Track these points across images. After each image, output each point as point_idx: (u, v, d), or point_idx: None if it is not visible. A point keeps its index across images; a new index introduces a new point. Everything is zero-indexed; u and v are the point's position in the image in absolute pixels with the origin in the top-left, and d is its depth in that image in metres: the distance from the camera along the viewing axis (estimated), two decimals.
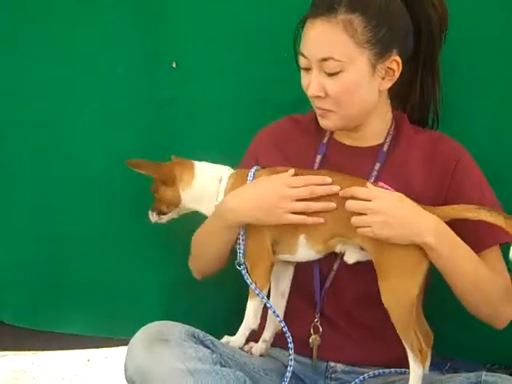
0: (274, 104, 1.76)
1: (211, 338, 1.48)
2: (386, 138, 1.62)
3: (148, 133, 1.82)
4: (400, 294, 1.46)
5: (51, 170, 1.85)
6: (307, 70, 1.54)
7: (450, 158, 1.60)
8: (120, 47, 1.77)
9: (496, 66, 1.74)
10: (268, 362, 1.61)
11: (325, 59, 1.50)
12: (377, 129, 1.62)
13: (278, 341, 1.64)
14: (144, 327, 1.45)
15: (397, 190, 1.53)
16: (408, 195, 1.52)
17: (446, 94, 1.69)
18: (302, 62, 1.54)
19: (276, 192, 1.51)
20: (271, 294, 1.61)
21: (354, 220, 1.46)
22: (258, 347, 1.62)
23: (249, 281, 1.55)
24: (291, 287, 1.64)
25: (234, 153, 1.77)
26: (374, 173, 1.59)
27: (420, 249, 1.46)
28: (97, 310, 1.90)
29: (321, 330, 1.60)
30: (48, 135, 1.83)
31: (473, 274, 1.51)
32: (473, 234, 1.51)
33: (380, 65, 1.52)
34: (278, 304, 1.61)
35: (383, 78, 1.54)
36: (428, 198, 1.55)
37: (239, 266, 1.56)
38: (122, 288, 1.89)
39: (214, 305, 1.88)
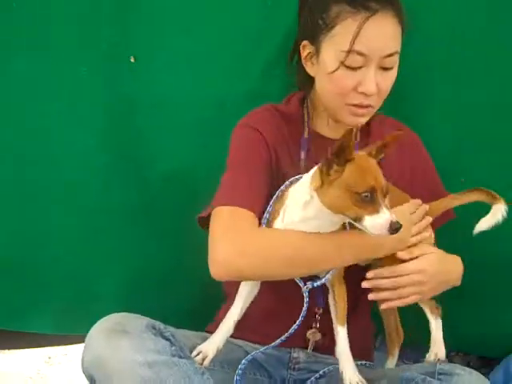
0: (234, 99, 1.76)
1: (172, 329, 1.48)
2: (356, 129, 1.65)
3: (109, 128, 1.80)
4: None
5: (11, 168, 1.82)
6: (355, 68, 1.50)
7: (410, 142, 1.67)
8: (79, 43, 1.74)
9: (455, 56, 1.77)
10: (229, 353, 1.60)
11: (390, 55, 1.50)
12: None
13: (240, 333, 1.62)
14: (103, 319, 1.45)
15: None
16: (388, 180, 1.57)
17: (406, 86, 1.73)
18: (357, 61, 1.49)
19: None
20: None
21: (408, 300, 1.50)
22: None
23: None
24: None
25: (195, 147, 1.79)
26: None
27: None
28: (57, 308, 1.90)
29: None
30: (8, 133, 1.79)
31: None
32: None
33: None
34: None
35: None
36: (403, 181, 1.62)
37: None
38: (82, 284, 1.88)
39: (176, 299, 1.89)
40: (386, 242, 1.45)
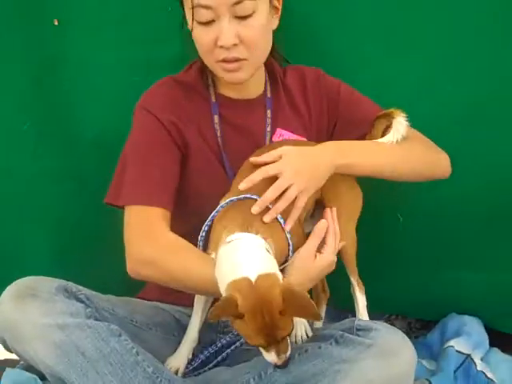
0: (159, 61, 1.72)
1: (87, 292, 1.46)
2: (265, 85, 1.64)
3: (34, 92, 1.77)
4: (350, 236, 1.58)
5: None
6: (208, 23, 1.47)
7: (315, 81, 1.66)
8: None
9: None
10: (154, 316, 1.60)
11: (238, 2, 1.44)
12: (258, 77, 1.63)
13: (170, 298, 1.65)
14: (14, 283, 1.42)
15: (295, 128, 1.62)
16: (305, 129, 1.63)
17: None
18: (204, 15, 1.46)
19: None
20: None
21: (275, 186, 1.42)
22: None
23: None
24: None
25: (122, 110, 1.71)
26: (269, 120, 1.62)
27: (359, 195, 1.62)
28: None
29: None
30: None
31: (396, 159, 1.58)
32: (362, 120, 1.64)
33: (273, 2, 1.53)
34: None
35: (272, 17, 1.54)
36: (315, 121, 1.64)
37: None
38: (7, 253, 1.86)
39: (102, 268, 1.86)
40: None
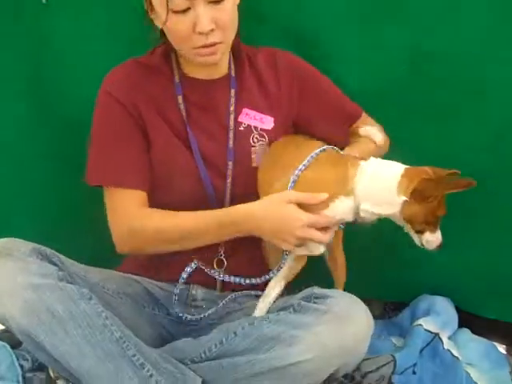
0: (151, 41, 1.70)
1: (61, 256, 1.51)
2: (229, 64, 1.68)
3: (20, 71, 1.83)
4: None
5: None
6: (184, 11, 1.50)
7: (288, 64, 1.70)
8: None
9: None
10: (126, 287, 1.65)
11: None
12: (223, 57, 1.65)
13: (147, 272, 1.70)
14: None
15: (263, 108, 1.66)
16: (273, 109, 1.67)
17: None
18: (180, 4, 1.48)
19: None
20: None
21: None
22: None
23: None
24: None
25: None
26: (232, 100, 1.65)
27: None
28: None
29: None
30: None
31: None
32: (344, 114, 1.73)
33: None
34: None
35: None
36: (285, 103, 1.68)
37: None
38: None
39: (88, 245, 1.93)
40: (264, 226, 1.52)
